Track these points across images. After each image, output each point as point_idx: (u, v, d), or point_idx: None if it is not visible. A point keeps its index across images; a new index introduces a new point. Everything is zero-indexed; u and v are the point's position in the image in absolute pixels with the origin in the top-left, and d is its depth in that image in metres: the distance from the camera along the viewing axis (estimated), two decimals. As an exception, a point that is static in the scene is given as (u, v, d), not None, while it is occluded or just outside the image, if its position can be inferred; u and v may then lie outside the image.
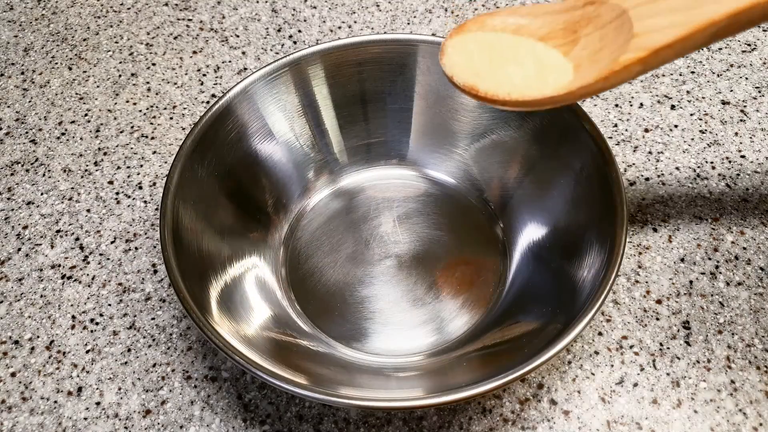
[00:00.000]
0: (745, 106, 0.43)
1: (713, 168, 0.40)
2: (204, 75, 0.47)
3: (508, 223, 0.37)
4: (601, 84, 0.25)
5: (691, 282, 0.35)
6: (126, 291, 0.36)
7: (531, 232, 0.36)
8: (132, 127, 0.44)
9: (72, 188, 0.41)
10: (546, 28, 0.28)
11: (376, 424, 0.31)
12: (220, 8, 0.51)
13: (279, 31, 0.49)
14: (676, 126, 0.42)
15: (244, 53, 0.48)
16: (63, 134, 0.44)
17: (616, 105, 0.43)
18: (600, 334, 0.34)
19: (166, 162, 0.42)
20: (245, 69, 0.47)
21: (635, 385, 0.32)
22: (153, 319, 0.35)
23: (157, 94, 0.46)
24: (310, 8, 0.50)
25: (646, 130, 0.42)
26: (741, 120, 0.42)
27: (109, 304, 0.36)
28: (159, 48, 0.48)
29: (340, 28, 0.49)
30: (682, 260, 0.36)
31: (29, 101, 0.46)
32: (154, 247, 0.38)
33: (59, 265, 0.37)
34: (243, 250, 0.35)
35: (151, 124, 0.44)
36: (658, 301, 0.35)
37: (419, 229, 0.38)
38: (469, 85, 0.28)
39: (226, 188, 0.35)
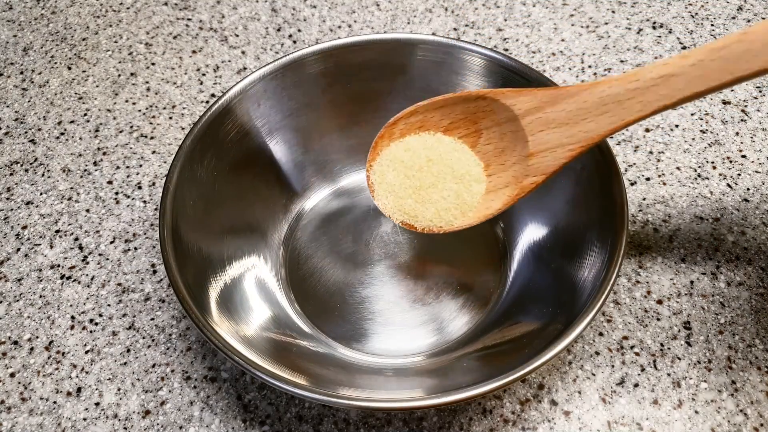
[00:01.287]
0: (745, 106, 0.43)
1: (714, 168, 0.40)
2: (203, 74, 0.46)
3: (508, 223, 0.37)
4: (509, 204, 0.30)
5: (691, 282, 0.35)
6: (125, 291, 0.36)
7: (531, 233, 0.36)
8: (131, 126, 0.44)
9: (71, 188, 0.41)
10: (447, 119, 0.32)
11: (376, 424, 0.31)
12: (219, 8, 0.51)
13: (279, 30, 0.49)
14: (676, 126, 0.42)
15: (243, 53, 0.48)
16: (62, 134, 0.43)
17: (617, 105, 0.43)
18: (601, 334, 0.34)
19: (165, 162, 0.42)
20: (245, 68, 0.47)
21: (636, 385, 0.32)
22: (152, 319, 0.35)
23: (156, 93, 0.45)
24: (309, 8, 0.50)
25: (647, 130, 0.42)
26: (742, 120, 0.42)
27: (109, 305, 0.36)
28: (158, 47, 0.48)
29: (339, 27, 0.49)
30: (683, 260, 0.36)
31: (28, 101, 0.45)
32: (154, 247, 0.38)
33: (58, 266, 0.37)
34: (243, 250, 0.35)
35: (151, 123, 0.44)
36: (659, 302, 0.35)
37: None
38: (408, 224, 0.32)
39: (225, 188, 0.35)
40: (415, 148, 0.32)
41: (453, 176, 0.31)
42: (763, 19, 0.48)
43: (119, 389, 0.33)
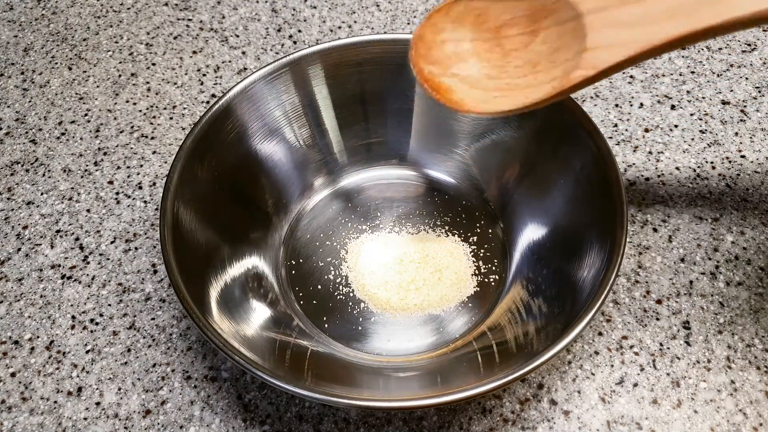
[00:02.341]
0: (745, 106, 0.43)
1: (713, 168, 0.40)
2: (204, 75, 0.47)
3: (508, 223, 0.37)
4: (553, 99, 0.28)
5: (691, 282, 0.35)
6: (126, 291, 0.36)
7: (531, 232, 0.36)
8: (132, 127, 0.44)
9: (72, 188, 0.41)
10: (508, 14, 0.30)
11: (376, 424, 0.31)
12: (220, 8, 0.51)
13: (279, 31, 0.49)
14: (676, 126, 0.42)
15: (244, 53, 0.48)
16: (63, 134, 0.44)
17: (616, 105, 0.43)
18: (600, 334, 0.34)
19: (166, 162, 0.42)
20: (245, 69, 0.47)
21: (635, 385, 0.32)
22: (153, 319, 0.35)
23: (157, 94, 0.46)
24: (310, 8, 0.50)
25: (646, 130, 0.42)
26: (741, 120, 0.42)
27: (109, 304, 0.36)
28: (159, 48, 0.48)
29: (340, 28, 0.49)
30: (682, 260, 0.36)
31: (29, 101, 0.46)
32: (154, 247, 0.38)
33: (59, 265, 0.37)
34: (243, 250, 0.35)
35: (151, 124, 0.44)
36: (659, 301, 0.35)
37: (419, 229, 0.38)
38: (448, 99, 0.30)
39: (226, 188, 0.35)
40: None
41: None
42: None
43: (120, 389, 0.33)
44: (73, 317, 0.35)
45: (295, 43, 0.48)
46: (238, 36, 0.49)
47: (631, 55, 0.25)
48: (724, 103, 0.43)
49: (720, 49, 0.46)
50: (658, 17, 0.25)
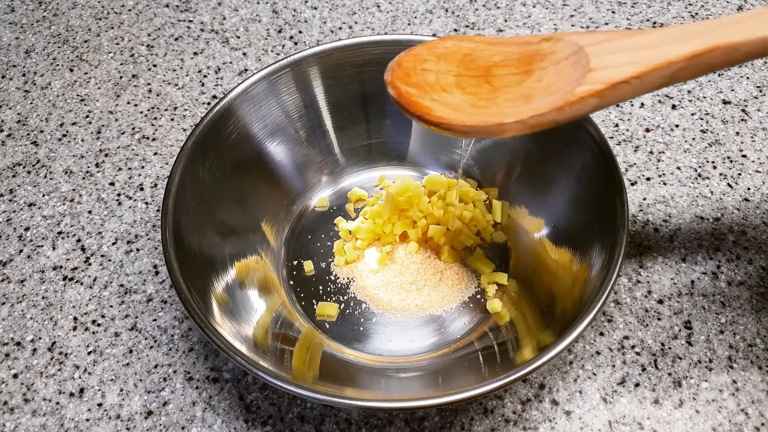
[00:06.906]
0: (746, 106, 0.43)
1: (714, 167, 0.40)
2: (205, 76, 0.47)
3: (508, 224, 0.37)
4: (555, 114, 0.25)
5: (692, 282, 0.35)
6: (127, 292, 0.36)
7: (531, 232, 0.36)
8: (133, 128, 0.44)
9: (73, 190, 0.41)
10: (500, 56, 0.28)
11: (378, 424, 0.31)
12: (221, 9, 0.51)
13: (280, 32, 0.49)
14: (677, 126, 0.42)
15: (244, 54, 0.48)
16: (64, 136, 0.44)
17: (617, 105, 0.43)
18: (601, 334, 0.34)
19: (167, 163, 0.42)
20: (246, 70, 0.47)
21: (637, 385, 0.32)
22: (154, 320, 0.35)
23: (158, 95, 0.46)
24: (310, 9, 0.51)
25: (647, 130, 0.42)
26: (742, 119, 0.42)
27: (111, 306, 0.36)
28: (160, 49, 0.49)
29: (340, 29, 0.49)
30: (684, 260, 0.36)
31: (30, 103, 0.46)
32: (156, 248, 0.38)
33: (61, 267, 0.37)
34: (244, 250, 0.35)
35: (152, 125, 0.44)
36: (660, 301, 0.35)
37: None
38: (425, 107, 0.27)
39: (227, 189, 0.35)
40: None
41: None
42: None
43: (122, 390, 0.33)
44: (75, 318, 0.35)
45: (296, 44, 0.48)
46: (239, 37, 0.49)
47: (640, 72, 0.24)
48: (725, 102, 0.43)
49: (721, 48, 0.46)
50: (668, 39, 0.24)
